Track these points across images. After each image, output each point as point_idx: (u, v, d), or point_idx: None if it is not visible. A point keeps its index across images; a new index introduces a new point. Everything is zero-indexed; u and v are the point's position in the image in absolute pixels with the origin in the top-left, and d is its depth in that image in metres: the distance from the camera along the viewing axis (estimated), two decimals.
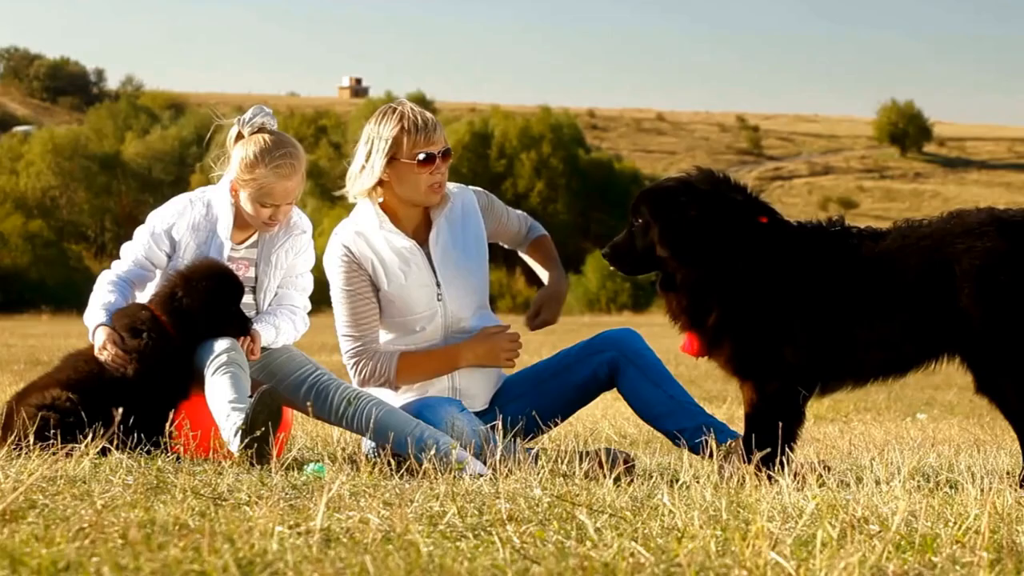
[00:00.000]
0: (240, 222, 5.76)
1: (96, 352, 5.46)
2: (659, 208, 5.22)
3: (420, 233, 5.82)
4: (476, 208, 5.91)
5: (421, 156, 5.66)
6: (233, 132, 5.77)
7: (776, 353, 5.12)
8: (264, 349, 5.68)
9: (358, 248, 5.73)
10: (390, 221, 5.75)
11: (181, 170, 76.49)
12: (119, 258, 5.75)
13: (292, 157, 5.68)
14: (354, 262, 5.72)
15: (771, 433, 5.06)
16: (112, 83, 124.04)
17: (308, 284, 5.94)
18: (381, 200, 5.76)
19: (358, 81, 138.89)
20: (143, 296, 5.69)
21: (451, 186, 5.86)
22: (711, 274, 5.15)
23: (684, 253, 5.17)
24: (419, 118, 5.68)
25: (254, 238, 5.81)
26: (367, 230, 5.74)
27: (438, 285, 5.78)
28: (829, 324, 5.09)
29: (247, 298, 5.74)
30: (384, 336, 5.80)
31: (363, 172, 5.72)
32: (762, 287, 5.12)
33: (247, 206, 5.71)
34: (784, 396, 5.13)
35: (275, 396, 5.25)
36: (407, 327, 5.78)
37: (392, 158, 5.66)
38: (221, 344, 5.44)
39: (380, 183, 5.71)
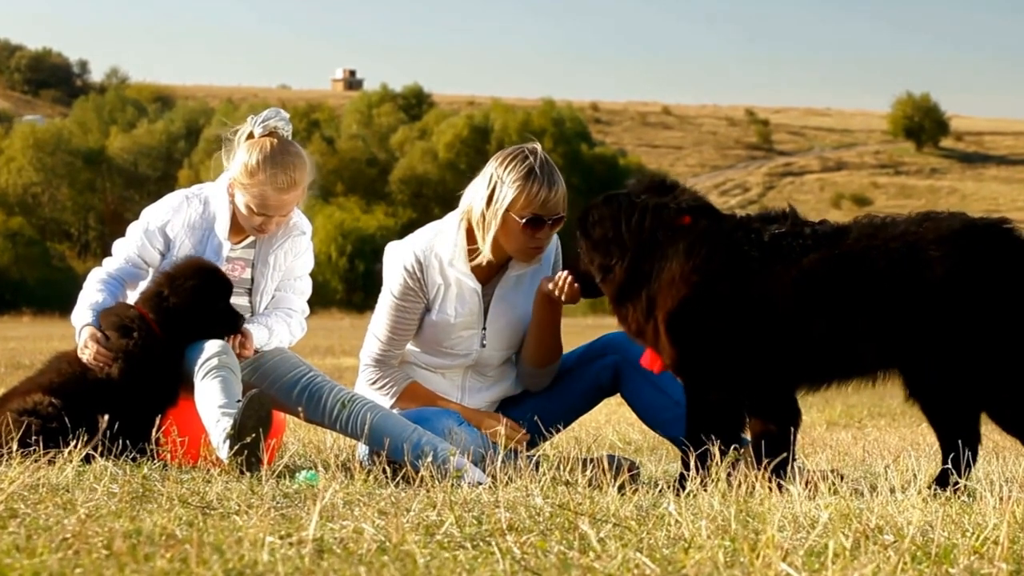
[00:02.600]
0: (237, 222, 5.67)
1: (79, 352, 5.37)
2: (580, 226, 5.35)
3: (489, 272, 5.69)
4: (550, 263, 5.77)
5: (528, 218, 5.51)
6: (245, 129, 5.67)
7: (715, 358, 5.08)
8: (256, 351, 5.59)
9: (430, 270, 5.60)
10: (466, 255, 5.60)
11: (168, 166, 76.79)
12: (111, 255, 5.67)
13: (294, 171, 5.58)
14: (418, 280, 5.60)
15: (700, 433, 5.04)
16: (96, 75, 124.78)
17: (306, 287, 5.85)
18: (470, 228, 5.60)
19: (352, 73, 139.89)
20: (135, 295, 5.60)
21: None
22: (629, 284, 5.19)
23: (602, 268, 5.24)
24: (546, 179, 5.51)
25: (251, 238, 5.72)
26: (444, 256, 5.61)
27: (484, 330, 5.68)
28: (772, 327, 5.00)
29: (243, 300, 5.68)
30: (411, 345, 5.71)
31: (474, 207, 5.56)
32: (683, 291, 5.07)
33: (241, 208, 5.61)
34: (723, 401, 5.09)
35: (264, 400, 5.16)
36: (437, 351, 5.71)
37: (504, 209, 5.50)
38: (211, 347, 5.35)
39: (482, 222, 5.55)
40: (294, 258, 5.78)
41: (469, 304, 5.64)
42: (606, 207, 5.28)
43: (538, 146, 5.62)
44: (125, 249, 5.63)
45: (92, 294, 5.53)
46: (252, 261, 5.73)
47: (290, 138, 5.71)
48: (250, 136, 5.66)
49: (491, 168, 5.57)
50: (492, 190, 5.52)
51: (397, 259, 5.64)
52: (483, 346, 5.69)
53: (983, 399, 4.96)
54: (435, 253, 5.61)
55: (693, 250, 5.09)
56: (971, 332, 4.87)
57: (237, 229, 5.70)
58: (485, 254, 5.57)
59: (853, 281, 4.93)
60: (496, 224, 5.51)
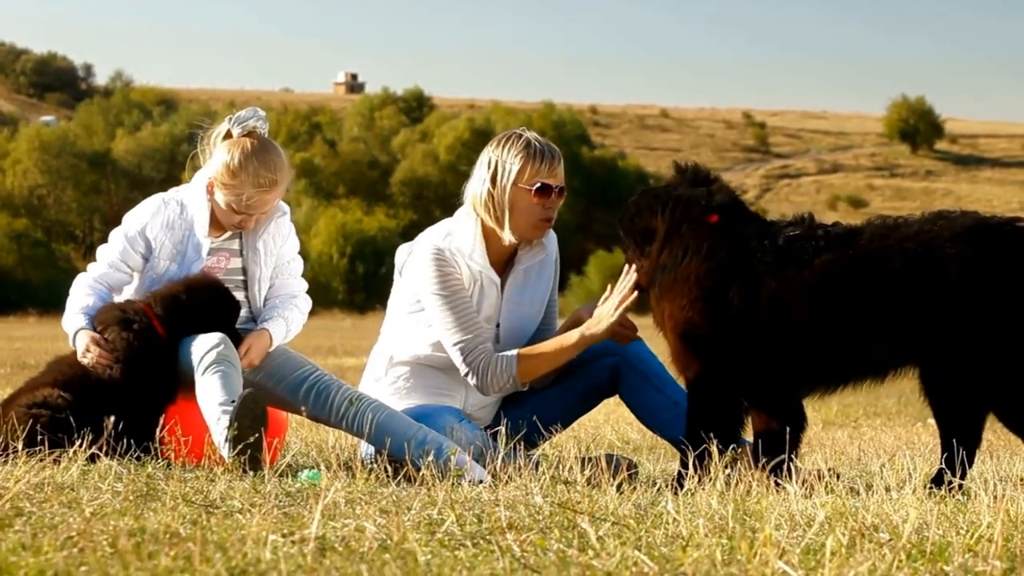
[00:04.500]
0: (216, 220, 5.67)
1: (80, 356, 5.38)
2: (621, 223, 5.43)
3: (499, 268, 5.70)
4: (552, 260, 5.78)
5: (539, 185, 5.56)
6: (222, 128, 5.67)
7: (719, 360, 5.10)
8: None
9: (453, 261, 5.57)
10: (484, 248, 5.62)
11: (172, 168, 76.44)
12: (95, 260, 5.67)
13: (276, 170, 5.57)
14: (451, 264, 5.56)
15: (700, 432, 5.06)
16: (101, 78, 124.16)
17: (300, 266, 5.87)
18: (482, 221, 5.61)
19: (354, 77, 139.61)
20: (137, 296, 5.61)
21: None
22: (654, 273, 5.26)
23: (644, 256, 5.30)
24: (545, 147, 5.62)
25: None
26: (465, 250, 5.60)
27: (498, 327, 5.68)
28: (786, 327, 5.02)
29: (239, 294, 5.65)
30: (424, 343, 5.64)
31: (478, 194, 5.58)
32: (700, 285, 5.10)
33: (221, 206, 5.62)
34: (723, 401, 5.12)
35: (258, 399, 5.15)
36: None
37: (512, 183, 5.55)
38: (210, 340, 5.34)
39: (491, 203, 5.58)
40: (283, 241, 5.76)
41: (489, 297, 5.64)
42: (642, 199, 5.38)
43: (524, 127, 5.70)
44: (109, 255, 5.63)
45: (82, 299, 5.53)
46: (238, 250, 5.73)
47: (267, 136, 5.72)
48: (227, 135, 5.65)
49: (487, 154, 5.62)
50: (495, 171, 5.56)
51: (425, 260, 5.57)
52: (497, 342, 5.69)
53: (991, 397, 4.97)
54: (456, 248, 5.60)
55: (713, 252, 5.12)
56: (981, 329, 4.89)
57: (216, 226, 5.68)
58: (507, 236, 5.58)
59: (868, 281, 4.96)
60: (507, 201, 5.54)
